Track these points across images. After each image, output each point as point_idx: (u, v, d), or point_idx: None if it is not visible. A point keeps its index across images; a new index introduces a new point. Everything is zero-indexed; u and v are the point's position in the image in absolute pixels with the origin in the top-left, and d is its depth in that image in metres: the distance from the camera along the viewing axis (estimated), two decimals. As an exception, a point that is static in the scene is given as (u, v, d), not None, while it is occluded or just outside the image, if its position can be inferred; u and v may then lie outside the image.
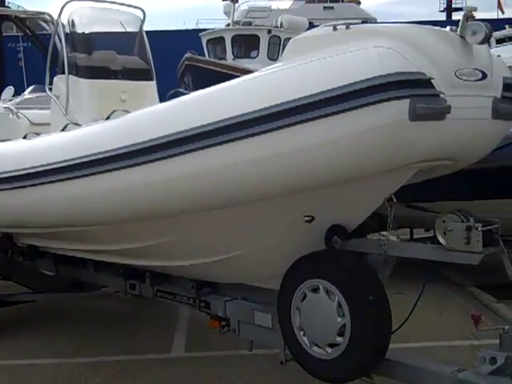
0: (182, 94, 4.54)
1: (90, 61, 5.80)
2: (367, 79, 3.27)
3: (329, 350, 3.92)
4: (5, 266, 6.29)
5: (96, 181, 4.29)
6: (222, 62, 17.95)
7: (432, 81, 3.34)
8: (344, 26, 3.56)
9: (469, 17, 3.46)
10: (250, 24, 19.69)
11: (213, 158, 3.73)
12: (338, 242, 4.07)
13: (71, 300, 6.65)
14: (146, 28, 6.21)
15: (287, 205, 4.02)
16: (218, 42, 19.39)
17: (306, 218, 4.10)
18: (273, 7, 34.10)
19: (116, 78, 5.86)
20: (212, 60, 16.26)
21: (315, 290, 3.97)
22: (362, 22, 4.37)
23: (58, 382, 5.05)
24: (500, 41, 20.03)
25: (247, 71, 16.68)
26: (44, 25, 8.67)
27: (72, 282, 6.42)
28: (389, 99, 3.25)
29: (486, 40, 3.44)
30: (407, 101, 3.26)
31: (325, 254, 4.05)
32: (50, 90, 5.83)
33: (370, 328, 3.77)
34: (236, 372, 5.13)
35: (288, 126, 3.44)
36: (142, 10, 6.18)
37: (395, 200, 3.93)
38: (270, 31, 18.68)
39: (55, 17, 6.00)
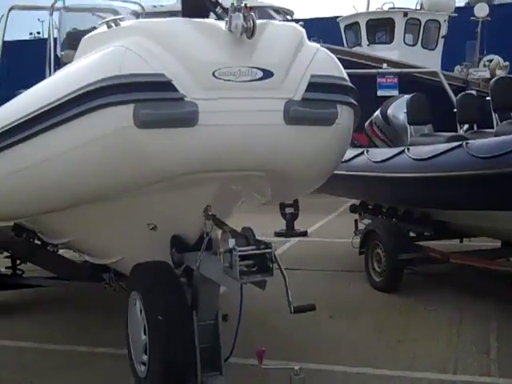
0: None
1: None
2: (87, 84, 3.02)
3: (142, 368, 3.71)
4: (21, 249, 6.72)
5: None
6: (352, 50, 16.97)
7: (173, 82, 2.94)
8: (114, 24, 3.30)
9: (237, 8, 2.95)
10: (421, 8, 18.24)
11: None
12: (175, 254, 3.83)
13: (87, 288, 6.80)
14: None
15: (131, 212, 3.86)
16: (353, 27, 18.38)
17: (150, 226, 3.92)
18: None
19: None
20: (339, 48, 15.14)
21: (135, 302, 3.78)
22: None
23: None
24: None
25: (376, 59, 15.41)
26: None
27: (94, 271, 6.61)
28: (108, 105, 2.94)
29: (249, 34, 2.93)
30: (131, 106, 2.93)
31: (140, 266, 3.81)
32: None
33: (158, 350, 3.47)
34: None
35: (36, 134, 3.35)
36: (141, 6, 6.21)
37: (211, 213, 3.53)
38: (406, 14, 17.13)
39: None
